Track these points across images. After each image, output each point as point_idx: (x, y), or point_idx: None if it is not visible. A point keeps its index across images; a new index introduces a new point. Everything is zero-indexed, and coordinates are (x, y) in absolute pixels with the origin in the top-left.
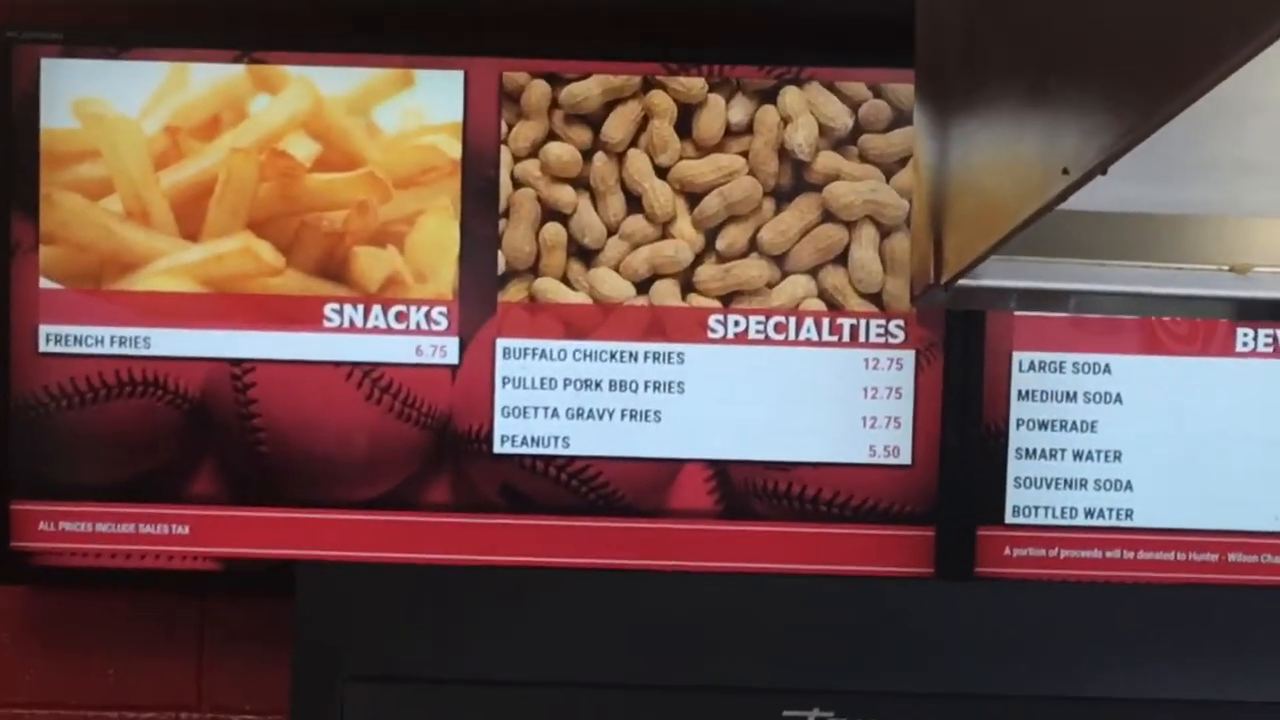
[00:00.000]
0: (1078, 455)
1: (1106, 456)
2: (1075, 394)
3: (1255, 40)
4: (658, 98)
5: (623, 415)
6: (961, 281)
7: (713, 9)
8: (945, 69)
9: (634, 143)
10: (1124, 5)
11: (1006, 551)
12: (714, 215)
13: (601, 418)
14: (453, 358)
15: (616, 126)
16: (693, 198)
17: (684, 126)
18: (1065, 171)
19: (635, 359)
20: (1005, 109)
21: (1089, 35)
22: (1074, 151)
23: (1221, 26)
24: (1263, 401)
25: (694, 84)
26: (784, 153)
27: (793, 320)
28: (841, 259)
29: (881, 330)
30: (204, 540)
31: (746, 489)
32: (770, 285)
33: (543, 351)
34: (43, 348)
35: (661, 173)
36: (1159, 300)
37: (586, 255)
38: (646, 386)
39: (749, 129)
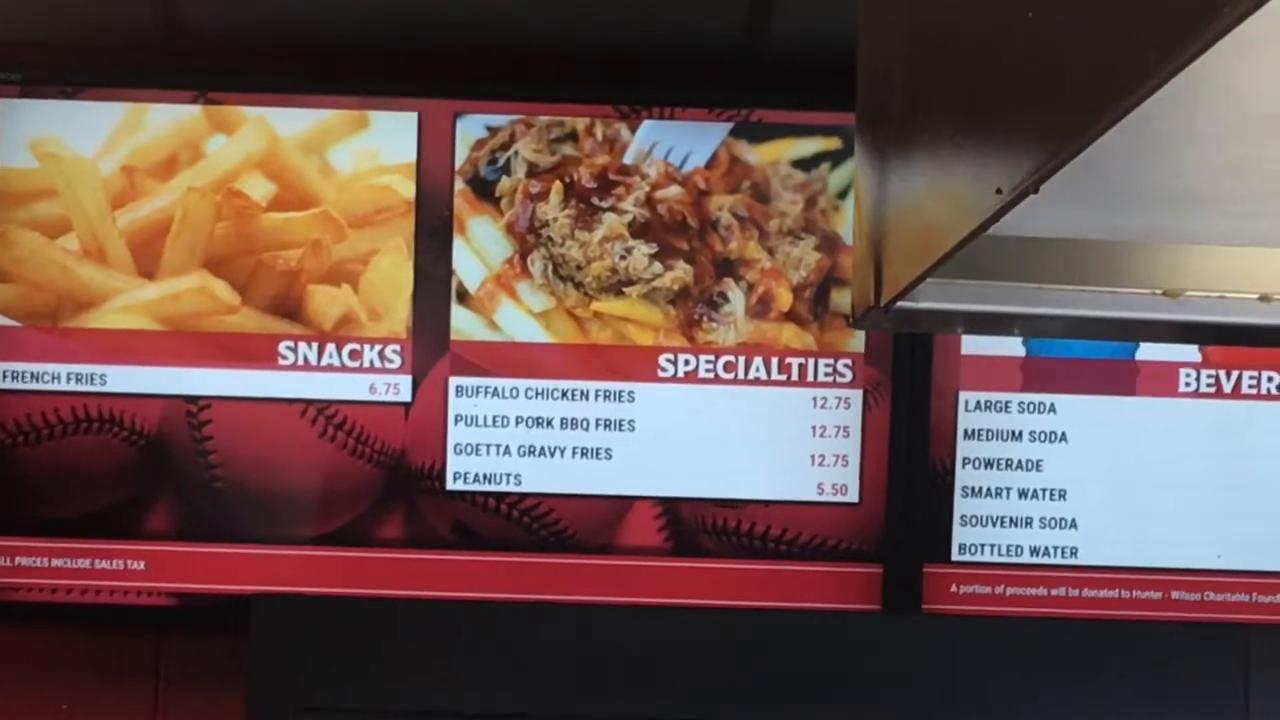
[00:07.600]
0: (1023, 494)
1: (1052, 495)
2: (1021, 433)
3: (1173, 62)
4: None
5: (574, 453)
6: (904, 304)
7: (663, 54)
8: (886, 103)
9: None
10: (1051, 32)
11: (953, 588)
12: None
13: (553, 455)
14: (406, 395)
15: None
16: None
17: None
18: (999, 191)
19: (586, 397)
20: (942, 137)
21: (1019, 61)
22: (1006, 171)
23: (1141, 49)
24: (1205, 441)
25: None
26: None
27: (742, 359)
28: None
29: (830, 369)
30: (160, 576)
31: (696, 526)
32: None
33: (495, 389)
34: None
35: None
36: (1099, 324)
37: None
38: (597, 424)
39: None
